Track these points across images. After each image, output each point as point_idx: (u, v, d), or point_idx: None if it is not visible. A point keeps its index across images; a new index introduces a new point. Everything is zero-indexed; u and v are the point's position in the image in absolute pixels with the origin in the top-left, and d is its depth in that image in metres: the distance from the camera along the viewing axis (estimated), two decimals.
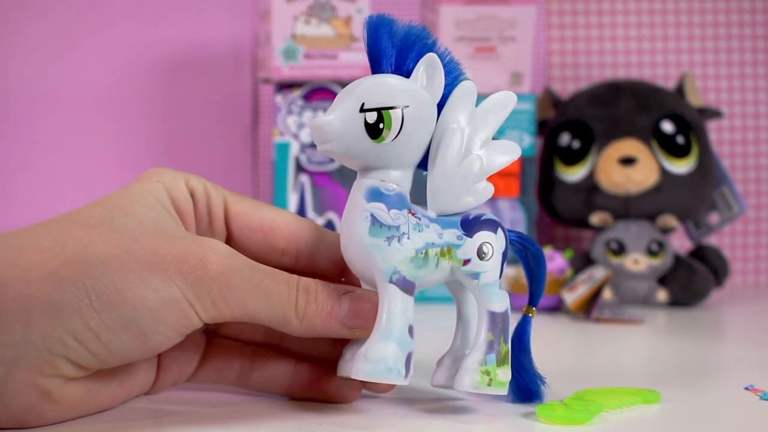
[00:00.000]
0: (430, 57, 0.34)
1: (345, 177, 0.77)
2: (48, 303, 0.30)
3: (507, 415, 0.35)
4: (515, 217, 0.76)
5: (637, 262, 0.74)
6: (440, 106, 0.35)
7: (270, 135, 0.85)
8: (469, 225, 0.35)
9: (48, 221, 0.33)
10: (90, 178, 0.87)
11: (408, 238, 0.33)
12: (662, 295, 0.74)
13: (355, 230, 0.33)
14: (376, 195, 0.34)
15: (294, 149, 0.76)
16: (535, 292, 0.37)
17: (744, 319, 0.71)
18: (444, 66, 0.35)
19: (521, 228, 0.77)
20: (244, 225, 0.36)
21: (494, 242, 0.35)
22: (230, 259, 0.32)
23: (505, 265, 0.35)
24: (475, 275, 0.34)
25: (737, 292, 0.85)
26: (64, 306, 0.30)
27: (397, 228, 0.33)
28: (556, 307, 0.70)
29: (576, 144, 0.78)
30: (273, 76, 0.76)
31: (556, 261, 0.71)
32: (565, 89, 0.91)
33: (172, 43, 0.88)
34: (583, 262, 0.75)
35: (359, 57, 0.75)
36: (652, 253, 0.74)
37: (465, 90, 0.35)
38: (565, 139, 0.79)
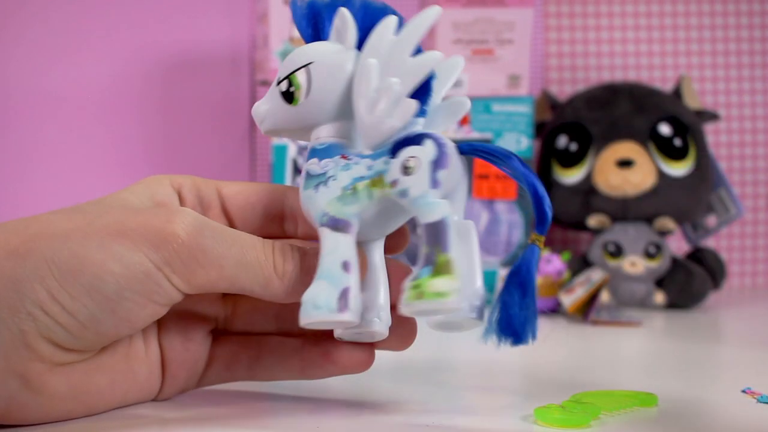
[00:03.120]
0: (339, 12, 0.35)
1: None
2: (10, 278, 0.30)
3: (504, 417, 0.35)
4: (513, 219, 0.76)
5: (634, 264, 0.74)
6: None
7: (267, 137, 0.85)
8: (396, 147, 0.33)
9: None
10: (88, 179, 0.87)
11: (334, 179, 0.34)
12: (660, 297, 0.74)
13: (300, 189, 0.35)
14: (310, 153, 0.35)
15: (291, 151, 0.76)
16: (536, 208, 0.33)
17: (741, 321, 0.71)
18: (375, 14, 0.35)
19: (519, 230, 0.77)
20: (242, 203, 0.37)
21: (420, 153, 0.32)
22: (200, 222, 0.32)
23: (440, 174, 0.32)
24: (404, 192, 0.32)
25: (734, 294, 0.85)
26: (26, 279, 0.30)
27: (324, 174, 0.34)
28: (554, 310, 0.70)
29: (573, 146, 0.78)
30: (271, 79, 0.76)
31: (553, 263, 0.71)
32: (563, 91, 0.91)
33: (170, 45, 0.88)
34: (580, 264, 0.75)
35: None
36: (649, 255, 0.74)
37: (381, 25, 0.34)
38: (562, 141, 0.79)
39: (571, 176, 0.77)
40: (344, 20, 0.35)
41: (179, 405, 0.36)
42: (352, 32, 0.35)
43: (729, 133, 0.93)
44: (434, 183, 0.32)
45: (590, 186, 0.76)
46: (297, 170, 0.76)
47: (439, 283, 0.31)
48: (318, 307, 0.32)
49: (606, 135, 0.76)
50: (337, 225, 0.33)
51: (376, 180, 0.33)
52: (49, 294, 0.30)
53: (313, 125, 0.35)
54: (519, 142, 0.77)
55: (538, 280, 0.70)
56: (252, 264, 0.32)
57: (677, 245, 0.88)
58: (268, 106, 0.36)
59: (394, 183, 0.33)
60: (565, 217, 0.79)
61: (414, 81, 0.33)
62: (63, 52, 0.87)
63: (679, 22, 0.93)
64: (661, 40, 0.93)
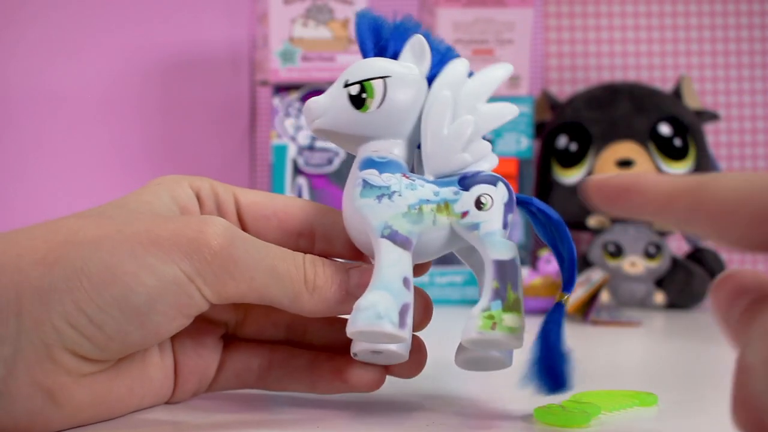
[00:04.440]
0: (416, 38, 0.35)
1: (342, 179, 0.77)
2: (38, 288, 0.29)
3: (505, 418, 0.35)
4: (513, 219, 0.76)
5: (634, 264, 0.74)
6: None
7: (267, 137, 0.85)
8: (467, 181, 0.34)
9: (44, 221, 0.32)
10: (88, 179, 0.87)
11: (400, 195, 0.33)
12: (659, 297, 0.74)
13: (349, 197, 0.34)
14: (368, 163, 0.34)
15: (291, 151, 0.76)
16: (568, 272, 0.35)
17: None
18: (439, 50, 0.36)
19: (519, 231, 0.77)
20: (258, 213, 0.36)
21: (493, 193, 0.34)
22: (232, 232, 0.31)
23: (510, 218, 0.34)
24: (475, 226, 0.33)
25: None
26: (54, 290, 0.29)
27: (388, 187, 0.33)
28: None
29: (573, 146, 0.78)
30: (270, 79, 0.76)
31: (553, 263, 0.71)
32: (563, 92, 0.91)
33: (171, 45, 0.88)
34: (580, 264, 0.75)
35: (357, 59, 0.75)
36: (649, 255, 0.74)
37: (455, 64, 0.35)
38: (562, 141, 0.79)
39: (571, 176, 0.77)
40: (423, 48, 0.35)
41: (181, 407, 0.36)
42: (427, 60, 0.35)
43: (729, 133, 0.93)
44: (505, 224, 0.34)
45: None
46: (297, 170, 0.76)
47: (512, 319, 0.32)
48: (380, 317, 0.31)
49: (606, 135, 0.76)
50: (400, 240, 0.33)
51: (442, 207, 0.34)
52: (77, 306, 0.29)
53: (372, 138, 0.35)
54: (519, 142, 0.77)
55: (538, 280, 0.70)
56: (282, 277, 0.32)
57: (677, 245, 0.88)
58: (327, 105, 0.35)
59: (464, 214, 0.34)
60: (564, 218, 0.79)
61: (489, 127, 0.35)
62: (63, 52, 0.87)
63: (679, 22, 0.93)
64: (661, 40, 0.93)
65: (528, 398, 0.35)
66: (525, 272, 0.72)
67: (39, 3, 0.86)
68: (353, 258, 0.36)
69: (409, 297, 0.32)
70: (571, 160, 0.78)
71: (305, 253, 0.35)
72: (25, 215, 0.84)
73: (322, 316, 0.33)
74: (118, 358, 0.32)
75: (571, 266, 0.35)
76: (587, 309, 0.66)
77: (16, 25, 0.86)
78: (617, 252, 0.75)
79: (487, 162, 0.35)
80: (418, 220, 0.33)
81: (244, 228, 0.36)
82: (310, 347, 0.37)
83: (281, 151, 0.76)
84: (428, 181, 0.34)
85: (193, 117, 0.88)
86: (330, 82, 0.84)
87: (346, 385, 0.36)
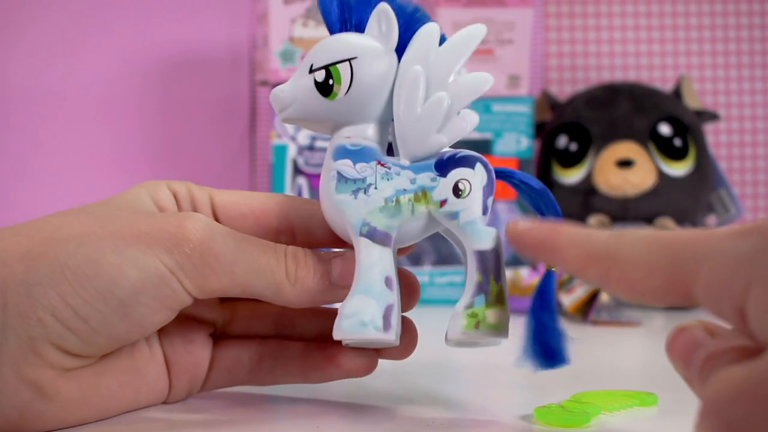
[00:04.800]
0: (380, 6, 0.34)
1: None
2: (23, 282, 0.29)
3: (504, 417, 0.35)
4: (493, 200, 0.76)
5: None
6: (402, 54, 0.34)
7: (267, 137, 0.85)
8: (444, 165, 0.33)
9: (29, 220, 0.33)
10: (87, 179, 0.87)
11: (375, 188, 0.33)
12: None
13: (326, 190, 0.33)
14: (342, 152, 0.33)
15: (291, 151, 0.76)
16: None
17: None
18: (407, 14, 0.34)
19: None
20: (234, 212, 0.36)
21: (471, 178, 0.33)
22: (212, 227, 0.32)
23: (490, 201, 0.33)
24: (454, 215, 0.33)
25: None
26: (39, 283, 0.29)
27: (363, 180, 0.33)
28: None
29: (573, 146, 0.78)
30: (270, 79, 0.76)
31: None
32: (563, 92, 0.91)
33: (170, 45, 0.88)
34: None
35: None
36: None
37: (424, 32, 0.34)
38: (562, 141, 0.79)
39: (571, 176, 0.77)
40: (388, 19, 0.34)
41: (180, 406, 0.36)
42: (394, 33, 0.34)
43: (729, 133, 0.93)
44: (485, 209, 0.33)
45: (590, 186, 0.76)
46: (297, 170, 0.76)
47: (495, 315, 0.32)
48: (364, 324, 0.31)
49: (606, 135, 0.76)
50: (378, 237, 0.32)
51: (420, 195, 0.33)
52: (62, 299, 0.30)
53: (344, 123, 0.34)
54: (519, 142, 0.77)
55: (538, 279, 0.70)
56: (263, 269, 0.32)
57: None
58: (294, 94, 0.33)
59: (443, 203, 0.33)
60: (564, 218, 0.79)
61: (464, 102, 0.33)
62: (63, 52, 0.87)
63: (679, 22, 0.93)
64: (661, 40, 0.93)
65: (528, 398, 0.35)
66: (525, 272, 0.72)
67: (39, 3, 0.86)
68: (336, 245, 0.36)
69: (392, 297, 0.32)
70: (571, 160, 0.78)
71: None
72: (25, 215, 0.84)
73: (306, 306, 0.33)
74: (105, 353, 0.32)
75: None
76: (587, 309, 0.66)
77: (16, 25, 0.86)
78: None
79: (468, 122, 0.34)
80: (396, 213, 0.33)
81: None
82: (301, 340, 0.37)
83: (281, 151, 0.76)
84: (404, 167, 0.33)
85: (193, 117, 0.88)
86: None
87: (340, 371, 0.36)
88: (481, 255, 0.33)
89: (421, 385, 0.39)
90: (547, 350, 0.32)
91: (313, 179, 0.77)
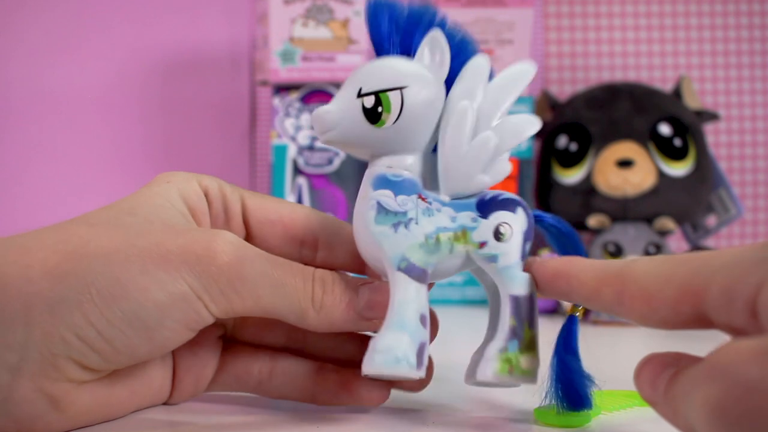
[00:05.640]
0: (433, 34, 0.33)
1: (343, 179, 0.77)
2: (48, 300, 0.29)
3: (504, 418, 0.35)
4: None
5: None
6: (453, 81, 0.33)
7: (267, 137, 0.85)
8: (485, 206, 0.33)
9: (53, 224, 0.32)
10: (87, 180, 0.87)
11: (416, 223, 0.32)
12: None
13: (363, 219, 0.32)
14: (382, 182, 0.32)
15: (291, 151, 0.76)
16: None
17: None
18: (455, 43, 0.33)
19: None
20: (263, 218, 0.35)
21: (513, 222, 0.33)
22: (240, 248, 0.31)
23: (529, 246, 0.33)
24: (493, 258, 0.32)
25: None
26: (64, 302, 0.29)
27: (404, 214, 0.32)
28: (554, 310, 0.70)
29: (573, 146, 0.78)
30: (271, 79, 0.76)
31: None
32: (563, 92, 0.91)
33: (170, 45, 0.88)
34: None
35: (357, 59, 0.75)
36: (649, 255, 0.74)
37: (476, 65, 0.33)
38: (562, 141, 0.79)
39: (571, 176, 0.77)
40: (442, 50, 0.33)
41: (181, 408, 0.36)
42: (447, 65, 0.33)
43: (729, 133, 0.93)
44: (523, 254, 0.33)
45: (590, 186, 0.76)
46: (297, 170, 0.76)
47: (528, 361, 0.32)
48: (399, 361, 0.31)
49: (606, 135, 0.76)
50: (417, 274, 0.32)
51: (460, 235, 0.33)
52: (87, 319, 0.29)
53: (387, 152, 0.33)
54: None
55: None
56: (289, 293, 0.32)
57: (677, 245, 0.88)
58: (340, 117, 0.32)
59: (482, 245, 0.33)
60: (564, 218, 0.78)
61: (509, 144, 0.33)
62: (63, 52, 0.87)
63: (679, 22, 0.93)
64: (661, 40, 0.93)
65: (528, 398, 0.35)
66: None
67: (39, 3, 0.86)
68: (356, 269, 0.36)
69: (425, 335, 0.32)
70: (571, 160, 0.78)
71: (307, 261, 0.35)
72: (26, 215, 0.85)
73: (328, 332, 0.33)
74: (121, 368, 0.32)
75: None
76: (587, 309, 0.66)
77: (16, 25, 0.86)
78: (617, 252, 0.75)
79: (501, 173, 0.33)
80: (435, 250, 0.32)
81: (248, 231, 0.36)
82: (310, 355, 0.37)
83: (281, 151, 0.76)
84: (444, 204, 0.33)
85: (193, 117, 0.89)
86: (330, 83, 0.84)
87: (352, 399, 0.35)
88: (516, 300, 0.33)
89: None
90: (571, 394, 0.33)
91: (314, 179, 0.77)
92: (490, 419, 0.35)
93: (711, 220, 0.81)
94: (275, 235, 0.36)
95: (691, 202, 0.76)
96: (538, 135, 0.82)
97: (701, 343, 0.58)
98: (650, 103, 0.78)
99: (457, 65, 0.33)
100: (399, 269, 0.32)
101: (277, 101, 0.77)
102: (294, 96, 0.77)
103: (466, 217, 0.33)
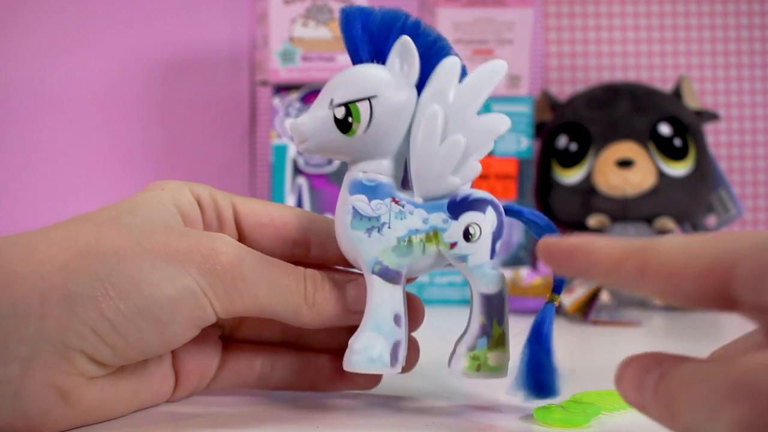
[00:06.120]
0: (402, 39, 0.34)
1: (343, 179, 0.77)
2: (63, 295, 0.30)
3: (504, 418, 0.35)
4: (513, 219, 0.76)
5: None
6: (423, 86, 0.34)
7: (267, 137, 0.85)
8: (455, 207, 0.34)
9: (57, 223, 0.33)
10: (87, 180, 0.87)
11: (389, 227, 0.34)
12: None
13: (341, 223, 0.34)
14: (357, 187, 0.34)
15: (291, 151, 0.76)
16: (562, 279, 0.36)
17: (742, 321, 0.71)
18: (430, 46, 0.34)
19: (518, 232, 0.77)
20: (255, 222, 0.37)
21: (482, 222, 0.34)
22: (240, 250, 0.33)
23: (498, 244, 0.34)
24: (463, 258, 0.34)
25: None
26: (79, 297, 0.30)
27: (378, 218, 0.34)
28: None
29: (573, 146, 0.78)
30: (270, 79, 0.76)
31: None
32: (563, 92, 0.92)
33: (170, 45, 0.88)
34: None
35: None
36: None
37: (446, 67, 0.34)
38: (562, 141, 0.79)
39: (570, 176, 0.77)
40: (411, 57, 0.34)
41: (183, 403, 0.36)
42: (415, 71, 0.34)
43: (729, 133, 0.93)
44: (493, 253, 0.34)
45: (590, 186, 0.76)
46: (297, 170, 0.76)
47: (496, 357, 0.34)
48: (373, 361, 0.33)
49: (606, 135, 0.76)
50: (391, 275, 0.34)
51: (431, 236, 0.34)
52: (102, 314, 0.30)
53: (362, 158, 0.34)
54: (519, 142, 0.77)
55: (538, 280, 0.70)
56: (284, 292, 0.33)
57: None
58: (313, 128, 0.34)
59: (453, 245, 0.34)
60: (564, 218, 0.79)
61: (481, 145, 0.34)
62: (62, 52, 0.87)
63: (679, 22, 0.93)
64: (661, 40, 0.93)
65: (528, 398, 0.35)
66: (525, 272, 0.72)
67: (39, 3, 0.86)
68: (347, 264, 0.37)
69: (400, 334, 0.34)
70: (571, 160, 0.78)
71: (300, 260, 0.36)
72: (26, 215, 0.85)
73: (320, 328, 0.35)
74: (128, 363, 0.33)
75: None
76: (587, 309, 0.66)
77: (15, 25, 0.86)
78: None
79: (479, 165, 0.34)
80: (407, 252, 0.34)
81: (241, 235, 0.37)
82: (306, 347, 0.38)
83: (281, 151, 0.76)
84: (417, 206, 0.34)
85: (193, 117, 0.89)
86: None
87: (349, 384, 0.37)
88: (486, 298, 0.34)
89: (421, 385, 0.39)
90: (539, 385, 0.35)
91: (314, 179, 0.77)
92: (490, 419, 0.35)
93: (711, 220, 0.82)
94: (268, 237, 0.37)
95: (691, 202, 0.76)
96: (539, 135, 0.82)
97: (698, 344, 0.58)
98: (650, 103, 0.78)
99: (429, 67, 0.34)
100: (373, 272, 0.34)
101: (277, 101, 0.77)
102: (294, 96, 0.77)
103: (438, 218, 0.34)
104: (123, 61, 0.87)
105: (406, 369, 0.36)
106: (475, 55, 0.77)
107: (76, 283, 0.30)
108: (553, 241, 0.29)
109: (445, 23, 0.77)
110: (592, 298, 0.67)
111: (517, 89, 0.77)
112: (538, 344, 0.35)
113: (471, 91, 0.34)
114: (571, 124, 0.79)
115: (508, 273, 0.68)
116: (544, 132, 0.82)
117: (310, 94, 0.77)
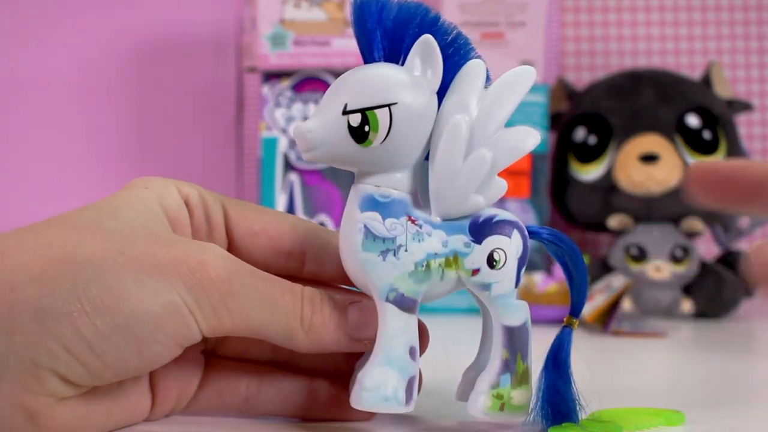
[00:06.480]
0: (425, 39, 0.33)
1: (338, 176, 0.77)
2: (35, 308, 0.29)
3: (513, 429, 0.35)
4: (526, 218, 0.76)
5: (659, 269, 0.74)
6: (446, 88, 0.34)
7: (256, 129, 0.85)
8: (479, 229, 0.33)
9: (30, 225, 0.32)
10: (59, 175, 0.86)
11: (406, 250, 0.33)
12: (687, 305, 0.74)
13: (349, 243, 0.33)
14: (370, 203, 0.33)
15: (282, 145, 0.76)
16: (577, 298, 0.35)
17: None
18: (449, 45, 0.33)
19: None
20: (247, 230, 0.36)
21: (507, 247, 0.33)
22: (231, 263, 0.32)
23: (522, 272, 0.34)
24: (486, 286, 0.33)
25: None
26: (53, 311, 0.29)
27: (393, 240, 0.32)
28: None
29: (592, 139, 0.78)
30: (259, 65, 0.76)
31: None
32: (581, 79, 0.91)
33: (149, 28, 0.88)
34: (600, 269, 0.75)
35: (354, 44, 0.75)
36: (676, 259, 0.74)
37: (470, 71, 0.33)
38: (580, 134, 0.79)
39: (589, 172, 0.77)
40: (435, 60, 0.33)
41: (159, 421, 0.36)
42: (439, 76, 0.33)
43: (763, 125, 0.93)
44: (518, 281, 0.34)
45: (611, 183, 0.76)
46: (288, 165, 0.76)
47: (520, 396, 0.34)
48: (387, 399, 0.32)
49: (628, 127, 0.76)
50: (406, 304, 0.33)
51: (451, 261, 0.33)
52: (77, 331, 0.29)
53: (373, 171, 0.33)
54: None
55: (554, 286, 0.70)
56: (278, 313, 0.33)
57: (706, 248, 0.88)
58: (324, 135, 0.32)
59: (475, 272, 0.33)
60: (583, 218, 0.79)
61: (508, 161, 0.33)
62: (31, 37, 0.87)
63: (708, 2, 0.93)
64: (689, 22, 0.93)
65: (543, 417, 0.35)
66: (540, 278, 0.72)
67: None
68: (346, 281, 0.36)
69: (415, 368, 0.33)
70: (589, 155, 0.78)
71: (293, 275, 0.36)
72: None
73: (319, 352, 0.34)
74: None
75: (582, 290, 0.35)
76: (608, 318, 0.66)
77: None
78: (641, 255, 0.75)
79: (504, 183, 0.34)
80: (425, 278, 0.33)
81: (231, 243, 0.37)
82: (297, 369, 0.37)
83: (271, 144, 0.76)
84: (435, 226, 0.33)
85: (174, 107, 0.88)
86: (325, 69, 0.84)
87: (344, 416, 0.36)
88: (509, 331, 0.34)
89: (424, 390, 0.39)
90: (557, 414, 0.34)
91: (306, 175, 0.77)
92: (490, 422, 0.35)
93: (744, 221, 0.81)
94: (260, 246, 0.36)
95: None
96: (554, 127, 0.82)
97: (729, 357, 0.58)
98: (677, 91, 0.78)
99: (450, 69, 0.33)
100: (387, 300, 0.33)
101: (266, 90, 0.77)
102: (285, 84, 0.77)
103: (458, 241, 0.33)
104: (98, 46, 0.87)
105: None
106: (484, 39, 0.77)
107: (51, 296, 0.29)
108: (708, 164, 0.28)
109: (450, 4, 0.77)
110: (613, 307, 0.67)
111: None
112: (557, 372, 0.34)
113: (497, 100, 0.33)
114: (589, 115, 0.79)
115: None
116: (560, 124, 0.81)
117: (302, 81, 0.77)
